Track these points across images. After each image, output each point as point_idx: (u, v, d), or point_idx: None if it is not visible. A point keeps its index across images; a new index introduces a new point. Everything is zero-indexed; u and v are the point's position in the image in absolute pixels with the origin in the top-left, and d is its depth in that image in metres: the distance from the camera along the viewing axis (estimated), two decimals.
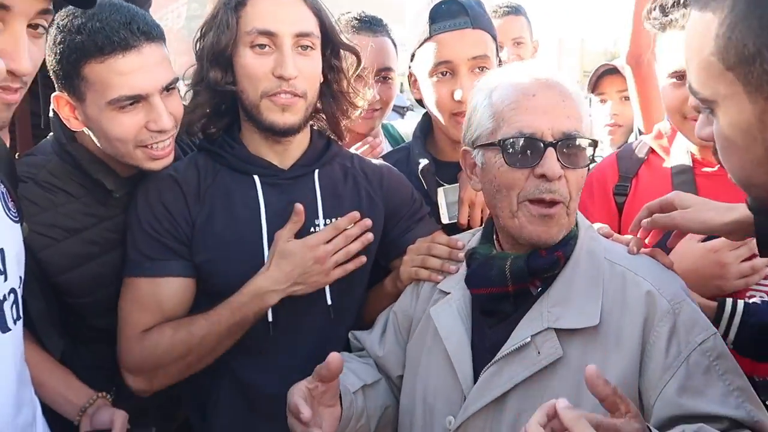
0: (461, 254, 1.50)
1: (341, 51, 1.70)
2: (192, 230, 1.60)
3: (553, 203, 1.28)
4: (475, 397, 1.30)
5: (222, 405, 1.65)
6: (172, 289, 1.59)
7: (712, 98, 0.87)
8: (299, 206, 1.58)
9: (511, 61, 2.86)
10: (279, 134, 1.61)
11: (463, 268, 1.46)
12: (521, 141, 1.26)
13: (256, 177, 1.64)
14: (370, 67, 1.94)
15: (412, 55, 1.92)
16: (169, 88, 1.54)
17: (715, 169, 1.67)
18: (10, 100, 1.11)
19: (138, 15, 1.49)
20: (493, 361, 1.30)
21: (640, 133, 2.35)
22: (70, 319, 1.69)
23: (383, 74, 2.18)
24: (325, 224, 1.64)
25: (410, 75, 1.98)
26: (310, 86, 1.59)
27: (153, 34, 1.50)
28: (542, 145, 1.26)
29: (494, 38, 1.87)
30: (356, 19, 2.20)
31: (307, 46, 1.57)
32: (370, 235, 1.63)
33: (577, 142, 1.29)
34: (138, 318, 1.58)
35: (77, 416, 1.56)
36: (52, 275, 1.60)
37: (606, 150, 2.81)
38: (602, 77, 2.94)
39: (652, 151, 1.85)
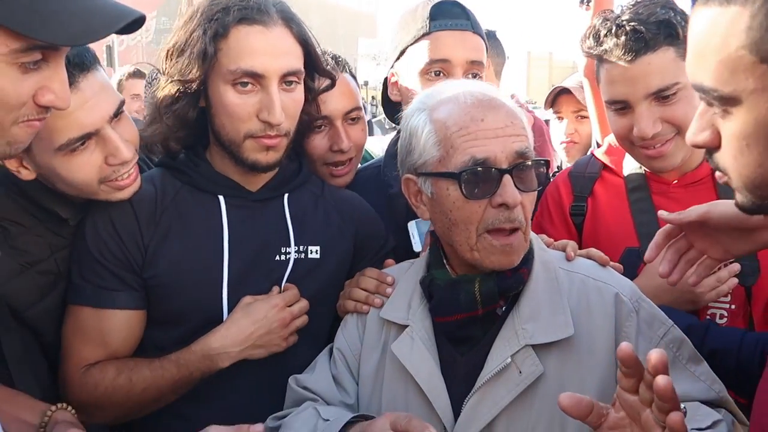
0: (389, 290, 1.47)
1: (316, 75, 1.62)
2: (144, 255, 1.49)
3: (512, 231, 1.25)
4: (463, 429, 1.25)
5: None
6: (119, 322, 1.48)
7: (734, 95, 0.83)
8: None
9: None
10: (260, 171, 1.54)
11: (417, 297, 1.39)
12: (478, 170, 1.22)
13: (221, 197, 1.55)
14: (335, 112, 1.83)
15: (402, 52, 1.82)
16: (117, 113, 1.41)
17: (669, 186, 1.67)
18: (39, 127, 1.14)
19: None
20: (474, 389, 1.25)
21: (598, 146, 2.31)
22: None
23: (353, 115, 1.88)
24: (297, 251, 1.56)
25: (392, 75, 1.89)
26: (292, 122, 1.52)
27: (86, 63, 1.35)
28: (498, 172, 1.22)
29: (487, 50, 1.83)
30: None
31: (292, 82, 1.49)
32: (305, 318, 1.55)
33: (530, 164, 1.25)
34: (81, 351, 1.48)
35: None
36: (18, 311, 1.45)
37: (563, 165, 2.79)
38: (558, 96, 2.95)
39: (604, 166, 1.82)
